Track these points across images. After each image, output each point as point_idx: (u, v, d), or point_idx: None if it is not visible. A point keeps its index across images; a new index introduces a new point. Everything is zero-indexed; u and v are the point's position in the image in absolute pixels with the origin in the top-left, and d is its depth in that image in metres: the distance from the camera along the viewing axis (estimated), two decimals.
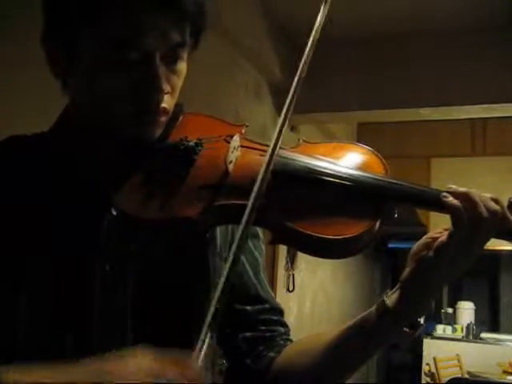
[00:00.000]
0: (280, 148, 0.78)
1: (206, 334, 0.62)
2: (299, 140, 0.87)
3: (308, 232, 0.74)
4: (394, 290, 0.80)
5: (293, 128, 4.03)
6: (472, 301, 6.03)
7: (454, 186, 0.75)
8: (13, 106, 1.96)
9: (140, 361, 0.62)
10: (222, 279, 0.64)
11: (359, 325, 0.83)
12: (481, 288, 6.91)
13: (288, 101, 0.76)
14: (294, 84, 0.76)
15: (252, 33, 3.60)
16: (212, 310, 0.63)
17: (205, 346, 0.61)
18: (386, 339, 0.83)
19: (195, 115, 0.89)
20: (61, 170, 0.83)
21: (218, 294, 0.64)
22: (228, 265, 0.66)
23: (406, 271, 0.79)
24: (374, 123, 5.35)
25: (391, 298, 0.79)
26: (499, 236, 0.75)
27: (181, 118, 0.85)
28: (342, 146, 0.87)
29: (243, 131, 0.87)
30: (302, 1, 3.63)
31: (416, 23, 3.78)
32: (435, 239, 0.77)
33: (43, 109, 2.02)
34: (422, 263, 0.76)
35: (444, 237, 0.74)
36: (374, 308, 0.81)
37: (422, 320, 0.80)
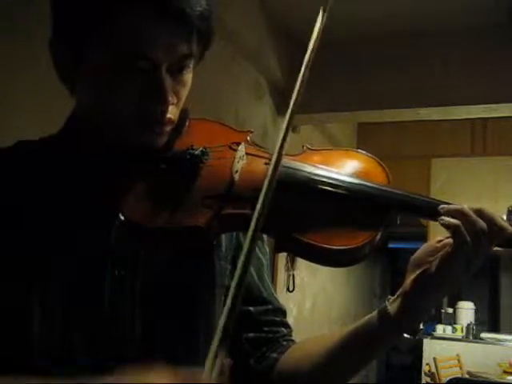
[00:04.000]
0: (284, 156, 0.78)
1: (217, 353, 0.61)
2: (303, 147, 0.87)
3: (311, 242, 0.74)
4: (395, 296, 0.80)
5: (293, 128, 4.03)
6: (472, 301, 6.02)
7: (445, 206, 0.75)
8: (12, 106, 1.96)
9: (157, 377, 0.61)
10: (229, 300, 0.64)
11: (361, 329, 0.83)
12: (481, 288, 6.90)
13: (289, 111, 0.76)
14: (295, 95, 0.76)
15: (252, 32, 3.60)
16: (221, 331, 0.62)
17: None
18: (386, 344, 0.84)
19: (201, 121, 0.89)
20: (68, 173, 0.83)
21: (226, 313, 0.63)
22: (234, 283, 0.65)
23: (408, 281, 0.79)
24: (373, 123, 5.35)
25: (393, 305, 0.80)
26: (500, 245, 0.75)
27: (187, 124, 0.85)
28: (345, 153, 0.87)
29: (249, 138, 0.87)
30: (302, 0, 3.64)
31: (416, 23, 3.78)
32: (436, 248, 0.77)
33: (42, 110, 2.02)
34: (425, 277, 0.77)
35: (447, 252, 0.74)
36: (375, 313, 0.82)
37: (421, 325, 0.81)
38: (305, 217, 0.77)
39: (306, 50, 0.79)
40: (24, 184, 0.82)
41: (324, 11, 0.80)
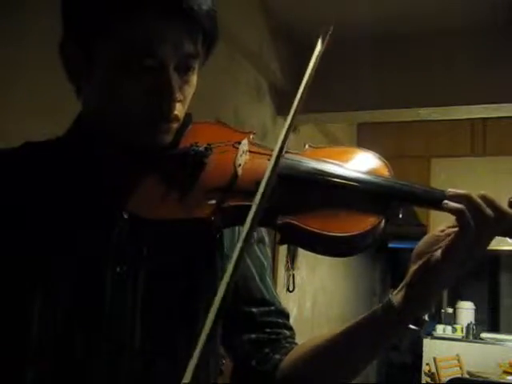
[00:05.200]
0: (286, 152, 0.80)
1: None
2: (305, 145, 0.88)
3: (314, 230, 0.75)
4: (399, 288, 0.81)
5: (293, 128, 4.02)
6: (472, 301, 6.03)
7: (452, 190, 0.75)
8: (11, 106, 1.96)
9: None
10: (223, 285, 0.65)
11: (365, 322, 0.83)
12: (481, 288, 6.90)
13: (294, 106, 0.76)
14: (301, 90, 0.77)
15: (252, 33, 3.60)
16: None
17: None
18: (391, 336, 0.83)
19: (204, 123, 0.91)
20: (74, 174, 0.84)
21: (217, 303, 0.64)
22: (231, 266, 0.66)
23: (412, 271, 0.79)
24: (374, 123, 5.35)
25: (397, 296, 0.80)
26: (504, 234, 0.75)
27: (190, 126, 0.87)
28: (347, 150, 0.88)
29: (251, 138, 0.88)
30: (302, 1, 3.64)
31: (416, 23, 3.79)
32: (439, 237, 0.78)
33: (41, 110, 2.02)
34: (429, 265, 0.77)
35: (451, 239, 0.74)
36: (379, 306, 0.82)
37: (426, 317, 0.81)
38: (307, 207, 0.78)
39: (307, 53, 0.79)
40: (30, 184, 0.83)
41: (323, 39, 0.81)
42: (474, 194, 0.75)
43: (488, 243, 0.75)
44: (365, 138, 5.89)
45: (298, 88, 0.77)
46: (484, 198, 0.74)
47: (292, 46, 4.00)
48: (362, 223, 0.76)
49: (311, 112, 3.68)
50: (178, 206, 0.79)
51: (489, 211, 0.73)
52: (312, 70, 0.79)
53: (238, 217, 0.74)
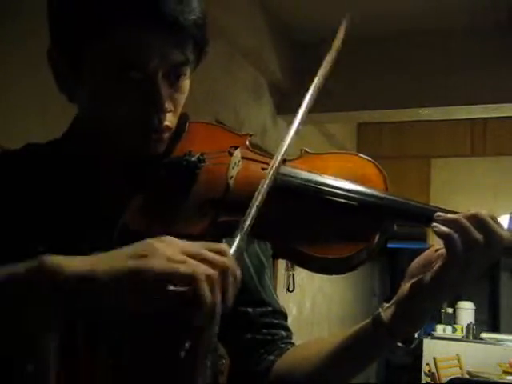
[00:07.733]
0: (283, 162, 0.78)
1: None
2: (301, 151, 0.87)
3: (307, 252, 0.74)
4: (389, 304, 0.80)
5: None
6: (472, 301, 6.03)
7: (441, 214, 0.73)
8: (11, 106, 1.96)
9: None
10: None
11: (356, 335, 0.83)
12: (481, 288, 6.91)
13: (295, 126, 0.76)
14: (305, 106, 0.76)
15: (252, 32, 3.60)
16: None
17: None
18: (380, 352, 0.83)
19: (200, 125, 0.89)
20: (73, 177, 0.84)
21: None
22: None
23: (402, 289, 0.78)
24: (374, 123, 5.36)
25: (387, 312, 0.79)
26: (499, 255, 0.73)
27: (186, 127, 0.85)
28: (342, 157, 0.87)
29: (247, 142, 0.87)
30: (302, 1, 3.64)
31: (416, 23, 3.78)
32: (433, 258, 0.77)
33: (42, 109, 2.02)
34: (419, 286, 0.76)
35: (441, 263, 0.73)
36: (370, 320, 0.81)
37: (416, 334, 0.80)
38: (300, 224, 0.77)
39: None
40: (31, 185, 0.83)
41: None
42: (464, 215, 0.72)
43: (482, 266, 0.72)
44: (365, 138, 5.89)
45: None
46: (475, 218, 0.71)
47: (292, 46, 4.00)
48: (355, 244, 0.74)
49: (311, 112, 3.68)
50: (170, 219, 0.78)
51: (478, 235, 0.70)
52: (333, 58, 0.76)
53: (231, 231, 0.74)
